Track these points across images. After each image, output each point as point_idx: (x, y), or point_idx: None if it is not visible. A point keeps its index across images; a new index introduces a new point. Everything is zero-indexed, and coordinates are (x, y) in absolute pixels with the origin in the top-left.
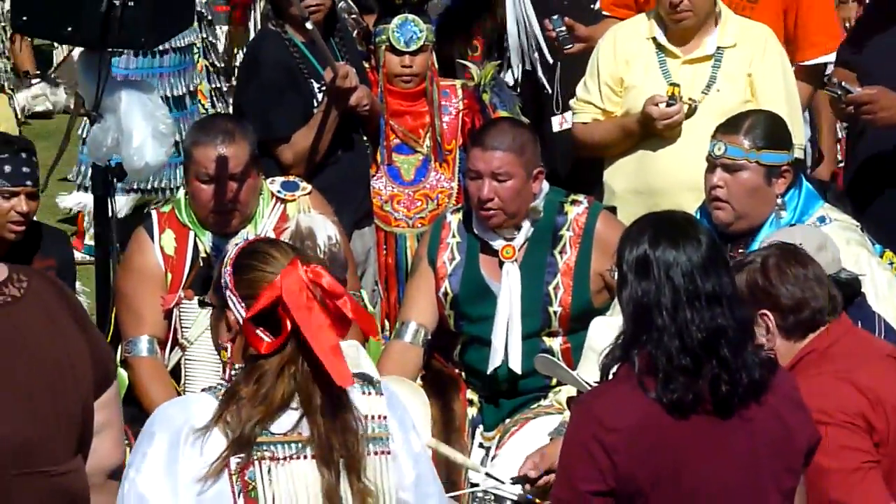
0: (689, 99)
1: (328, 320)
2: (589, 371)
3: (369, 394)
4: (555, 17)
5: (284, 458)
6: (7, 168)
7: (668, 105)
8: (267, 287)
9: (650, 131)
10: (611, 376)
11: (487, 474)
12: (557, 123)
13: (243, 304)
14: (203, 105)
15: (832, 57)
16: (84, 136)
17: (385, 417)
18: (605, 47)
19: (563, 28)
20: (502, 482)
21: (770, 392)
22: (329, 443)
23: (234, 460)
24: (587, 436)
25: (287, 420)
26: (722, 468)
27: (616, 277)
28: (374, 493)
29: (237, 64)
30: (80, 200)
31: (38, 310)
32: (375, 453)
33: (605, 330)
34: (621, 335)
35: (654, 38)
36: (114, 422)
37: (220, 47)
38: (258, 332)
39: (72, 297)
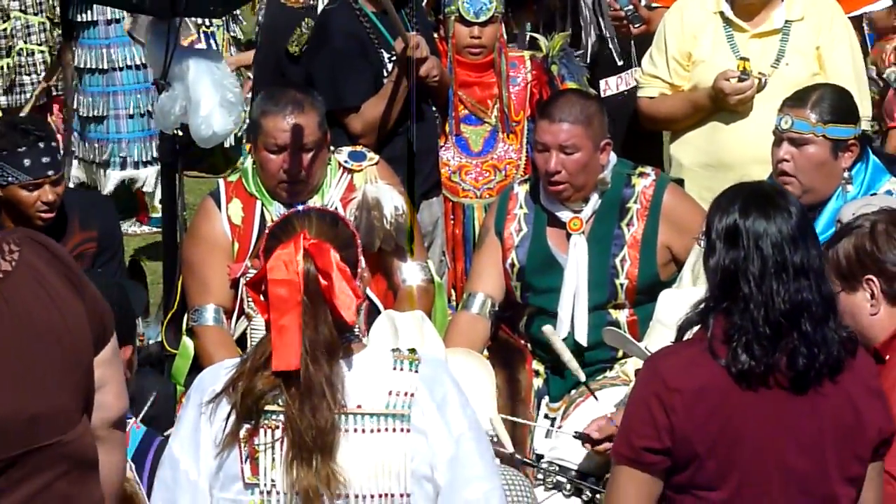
0: (759, 73)
1: (301, 299)
2: (656, 343)
3: (400, 369)
4: None
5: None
6: (26, 161)
7: (741, 80)
8: (271, 256)
9: (721, 106)
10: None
11: (549, 430)
12: (602, 90)
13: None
14: None
15: (876, 6)
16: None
17: (411, 395)
18: (671, 22)
19: (631, 7)
20: (559, 428)
21: (846, 373)
22: (298, 419)
23: (245, 427)
24: (649, 393)
25: None
26: (783, 444)
27: (704, 245)
28: (344, 479)
29: None
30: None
31: (31, 280)
32: (393, 430)
33: (674, 302)
34: (702, 301)
35: (721, 13)
36: (114, 375)
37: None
38: (263, 298)
39: (65, 257)
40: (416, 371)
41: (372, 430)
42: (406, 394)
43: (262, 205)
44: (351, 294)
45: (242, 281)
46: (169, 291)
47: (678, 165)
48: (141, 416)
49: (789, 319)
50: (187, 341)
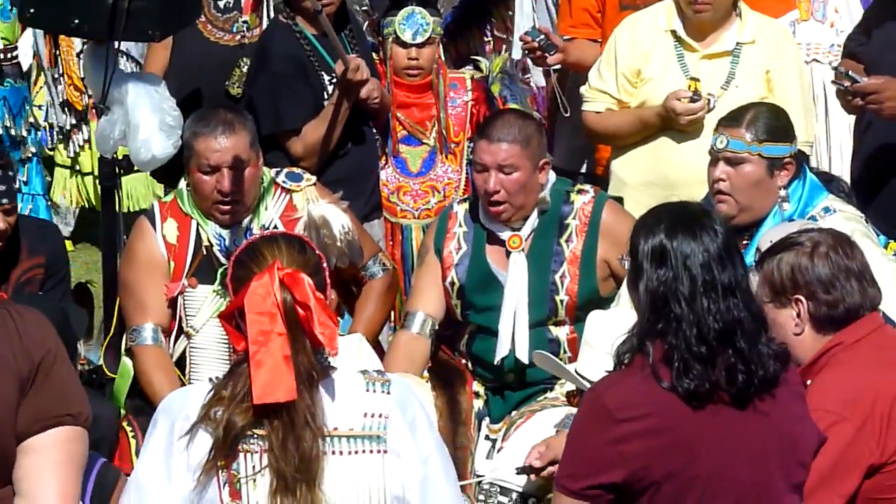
0: (709, 94)
1: (284, 330)
2: (586, 366)
3: (373, 391)
4: (530, 29)
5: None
6: None
7: (693, 101)
8: (244, 287)
9: (669, 125)
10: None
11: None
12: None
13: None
14: None
15: (783, 20)
16: None
17: (386, 416)
18: (622, 38)
19: (542, 36)
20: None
21: (782, 385)
22: (282, 449)
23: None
24: (594, 427)
25: None
26: (734, 460)
27: (628, 267)
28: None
29: None
30: None
31: None
32: (370, 451)
33: (602, 324)
34: (636, 325)
35: (673, 31)
36: (55, 470)
37: None
38: (237, 329)
39: (29, 344)
40: (389, 393)
41: (350, 452)
42: (381, 415)
43: (198, 224)
44: (331, 323)
45: (180, 300)
46: (109, 315)
47: (619, 182)
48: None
49: (723, 338)
50: (126, 361)
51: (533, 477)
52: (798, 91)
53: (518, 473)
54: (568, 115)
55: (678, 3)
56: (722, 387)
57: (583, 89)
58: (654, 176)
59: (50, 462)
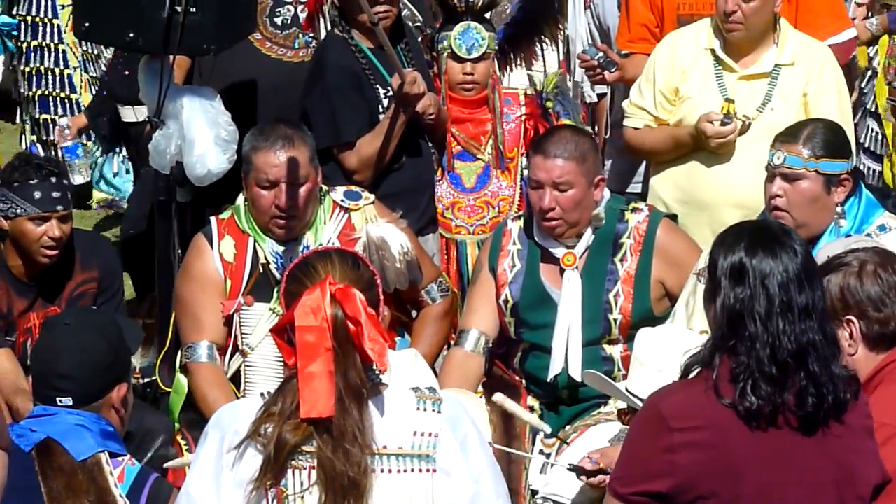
0: (744, 116)
1: (331, 345)
2: (636, 383)
3: (424, 410)
4: (586, 48)
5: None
6: (37, 194)
7: (723, 124)
8: (296, 302)
9: (701, 145)
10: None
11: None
12: None
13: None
14: None
15: (841, 38)
16: None
17: (436, 435)
18: (662, 54)
19: (601, 53)
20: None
21: (850, 414)
22: (331, 464)
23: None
24: (648, 434)
25: None
26: (788, 483)
27: (706, 283)
28: None
29: None
30: None
31: None
32: (419, 470)
33: (652, 341)
34: (709, 339)
35: (712, 50)
36: None
37: None
38: (288, 344)
39: None
40: (440, 411)
41: (399, 471)
42: (431, 434)
43: (255, 241)
44: (381, 340)
45: (236, 318)
46: (164, 329)
47: (656, 197)
48: (147, 457)
49: (796, 359)
50: (181, 378)
51: (583, 479)
52: (836, 115)
53: (569, 469)
54: (607, 136)
55: (718, 21)
56: (790, 409)
57: (624, 104)
58: (685, 195)
59: None
